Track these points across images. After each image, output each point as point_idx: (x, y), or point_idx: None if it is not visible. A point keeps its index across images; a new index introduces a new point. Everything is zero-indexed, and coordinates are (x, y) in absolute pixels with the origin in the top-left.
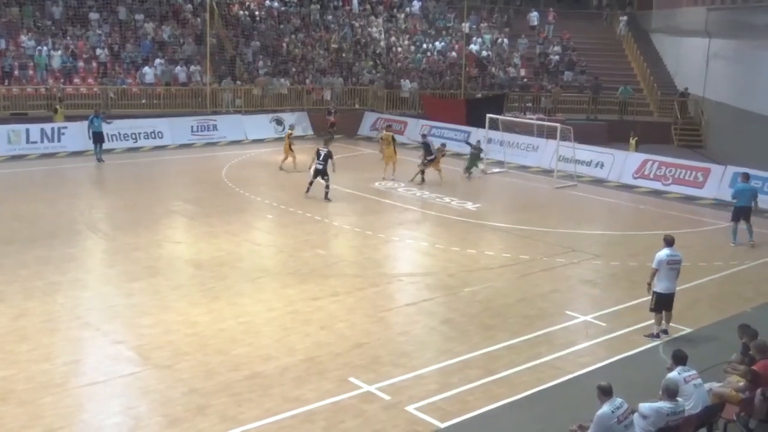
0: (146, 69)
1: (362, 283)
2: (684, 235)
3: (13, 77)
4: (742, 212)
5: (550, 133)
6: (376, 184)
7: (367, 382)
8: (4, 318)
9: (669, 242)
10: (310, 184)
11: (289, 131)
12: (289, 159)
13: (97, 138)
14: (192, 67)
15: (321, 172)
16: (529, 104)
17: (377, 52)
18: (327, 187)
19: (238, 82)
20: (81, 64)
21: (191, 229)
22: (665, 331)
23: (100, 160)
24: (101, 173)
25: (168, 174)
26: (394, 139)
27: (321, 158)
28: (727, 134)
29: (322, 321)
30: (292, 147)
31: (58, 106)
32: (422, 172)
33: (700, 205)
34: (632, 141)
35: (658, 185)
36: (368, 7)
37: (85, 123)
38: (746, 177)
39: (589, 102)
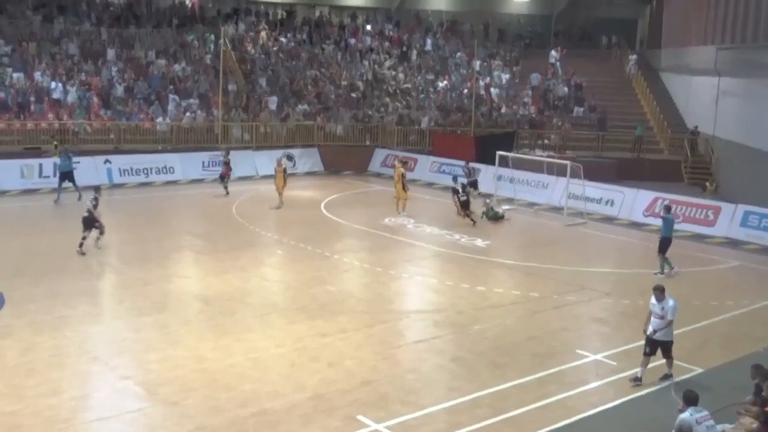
0: (159, 120)
1: (371, 320)
2: (694, 273)
3: (29, 112)
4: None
5: (559, 170)
6: (386, 220)
7: (376, 420)
8: (12, 352)
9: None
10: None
11: (281, 165)
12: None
13: (63, 177)
14: (198, 112)
15: (464, 204)
16: (539, 141)
17: (388, 89)
18: (470, 213)
19: (249, 116)
20: (95, 99)
21: (200, 264)
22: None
23: (57, 201)
24: (112, 208)
25: (179, 209)
26: (404, 176)
27: (462, 191)
28: (738, 172)
29: (330, 358)
30: (276, 181)
31: (55, 143)
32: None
33: (711, 243)
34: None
35: None
36: (379, 44)
37: (96, 159)
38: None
39: (598, 140)
